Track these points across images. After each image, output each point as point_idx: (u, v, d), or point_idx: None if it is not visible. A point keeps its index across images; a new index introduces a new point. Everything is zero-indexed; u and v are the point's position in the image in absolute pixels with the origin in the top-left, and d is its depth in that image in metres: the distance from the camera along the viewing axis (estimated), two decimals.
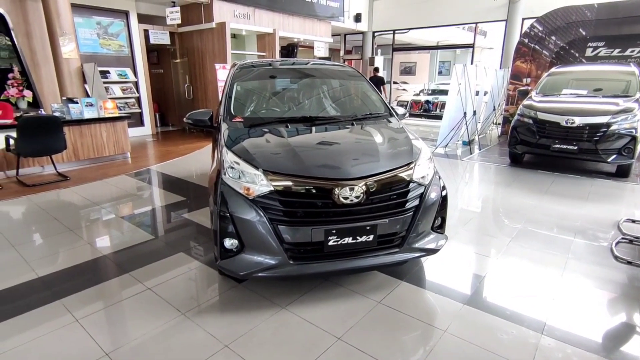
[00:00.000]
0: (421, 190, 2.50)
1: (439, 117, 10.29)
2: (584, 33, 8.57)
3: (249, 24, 9.63)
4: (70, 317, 2.36)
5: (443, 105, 12.14)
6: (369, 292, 2.61)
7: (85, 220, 4.03)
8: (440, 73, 21.20)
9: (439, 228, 2.69)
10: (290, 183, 2.27)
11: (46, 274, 2.86)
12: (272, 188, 2.27)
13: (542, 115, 5.71)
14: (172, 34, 9.58)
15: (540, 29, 8.83)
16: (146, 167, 6.25)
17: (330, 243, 2.30)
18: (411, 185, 2.46)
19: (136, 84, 9.14)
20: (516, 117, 6.12)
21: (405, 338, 2.19)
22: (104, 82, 8.07)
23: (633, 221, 3.85)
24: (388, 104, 3.44)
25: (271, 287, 2.65)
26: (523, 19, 10.72)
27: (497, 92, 9.00)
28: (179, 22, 8.40)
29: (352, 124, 3.00)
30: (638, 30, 8.03)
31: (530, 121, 5.81)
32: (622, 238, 3.43)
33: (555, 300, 2.54)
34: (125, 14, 8.74)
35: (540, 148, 5.73)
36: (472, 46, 12.38)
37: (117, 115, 6.70)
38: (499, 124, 9.67)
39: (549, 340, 2.15)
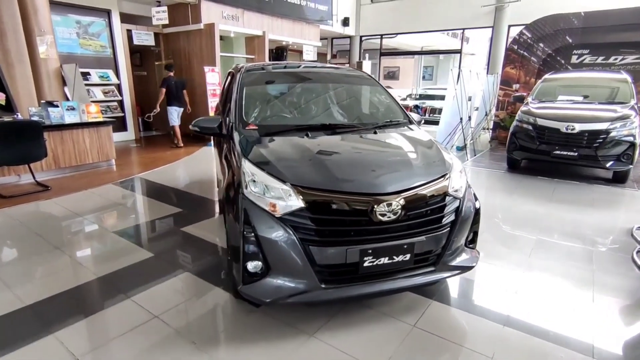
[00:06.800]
0: (457, 203, 2.34)
1: (429, 122, 10.27)
2: (570, 40, 8.73)
3: (237, 25, 9.35)
4: (67, 353, 2.06)
5: (432, 110, 12.22)
6: (400, 315, 2.42)
7: (73, 237, 3.67)
8: (423, 78, 21.44)
9: (471, 243, 2.54)
10: (323, 199, 2.06)
11: (34, 302, 2.52)
12: (302, 204, 2.05)
13: (541, 122, 5.71)
14: (156, 35, 9.17)
15: (529, 35, 8.96)
16: (134, 176, 5.88)
17: (366, 264, 2.10)
18: (447, 198, 2.30)
19: (119, 87, 8.68)
20: (515, 123, 6.11)
21: None
22: (85, 85, 7.61)
23: None
24: (405, 111, 3.28)
25: (292, 311, 2.42)
26: (509, 26, 10.89)
27: (487, 97, 9.06)
28: (167, 22, 8.03)
29: (375, 132, 2.81)
30: (621, 39, 8.24)
31: (530, 127, 5.81)
32: None
33: (595, 319, 2.43)
34: (107, 12, 8.30)
35: (541, 154, 5.73)
36: (459, 52, 12.51)
37: (101, 119, 6.29)
38: (490, 129, 9.74)
39: None
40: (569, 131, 5.42)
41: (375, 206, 2.05)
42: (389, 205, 2.07)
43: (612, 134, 5.24)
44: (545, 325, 2.34)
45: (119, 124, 8.75)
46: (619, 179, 5.57)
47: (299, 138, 2.58)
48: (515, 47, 9.19)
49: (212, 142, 8.47)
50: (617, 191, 5.30)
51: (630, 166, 5.33)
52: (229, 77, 4.07)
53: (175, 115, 8.19)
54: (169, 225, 3.96)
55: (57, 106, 5.76)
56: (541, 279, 2.91)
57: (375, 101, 3.42)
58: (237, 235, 2.11)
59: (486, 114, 9.10)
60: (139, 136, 9.32)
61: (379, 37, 13.92)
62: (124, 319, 2.36)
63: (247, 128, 2.72)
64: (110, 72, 8.56)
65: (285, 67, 3.61)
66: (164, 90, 7.99)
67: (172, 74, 8.14)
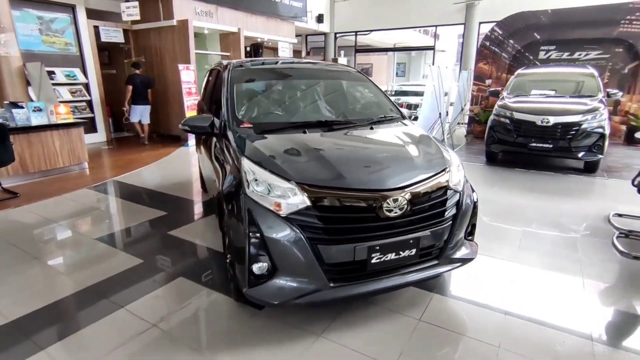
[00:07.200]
0: (457, 197, 2.37)
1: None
2: (538, 37, 9.08)
3: (211, 22, 9.12)
4: None
5: (408, 106, 12.40)
6: (404, 309, 2.43)
7: (52, 246, 3.46)
8: (396, 75, 21.74)
9: (470, 235, 2.58)
10: (329, 197, 2.02)
11: (19, 317, 2.34)
12: (308, 203, 2.00)
13: (518, 115, 5.91)
14: (125, 32, 8.79)
15: (500, 32, 9.23)
16: (110, 179, 5.60)
17: (374, 261, 2.09)
18: (448, 192, 2.32)
19: (87, 86, 8.26)
20: (492, 117, 6.29)
21: (462, 359, 2.03)
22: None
23: (620, 215, 4.04)
24: (398, 106, 3.29)
25: (295, 312, 2.37)
26: (480, 23, 11.21)
27: (462, 92, 9.29)
28: (138, 18, 7.71)
29: (372, 128, 2.80)
30: (585, 35, 8.65)
31: (507, 121, 6.00)
32: (620, 233, 3.56)
33: (588, 303, 2.53)
34: (72, 8, 7.86)
35: (518, 146, 5.93)
36: (432, 48, 12.76)
37: (71, 121, 5.96)
38: (465, 123, 9.99)
39: (602, 347, 2.10)
40: (544, 124, 5.63)
41: (382, 202, 2.04)
42: (395, 200, 2.06)
43: (583, 126, 5.49)
44: (543, 312, 2.41)
45: (89, 126, 8.31)
46: (590, 168, 5.84)
47: (297, 135, 2.53)
48: (488, 43, 9.45)
49: (188, 142, 8.25)
50: (589, 180, 5.57)
51: (601, 156, 5.61)
52: (213, 74, 3.94)
53: (137, 113, 8.15)
54: (154, 229, 3.80)
55: (22, 107, 5.41)
56: (533, 268, 3.00)
57: (368, 97, 3.41)
58: (241, 237, 2.05)
59: (462, 109, 9.33)
60: (110, 138, 8.91)
61: (354, 33, 13.98)
62: (120, 329, 2.24)
63: (241, 126, 2.63)
64: (77, 71, 8.12)
65: (275, 64, 3.54)
66: (130, 87, 7.91)
67: (138, 71, 8.02)
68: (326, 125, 2.74)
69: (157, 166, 6.48)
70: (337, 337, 2.16)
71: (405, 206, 2.09)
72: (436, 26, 12.39)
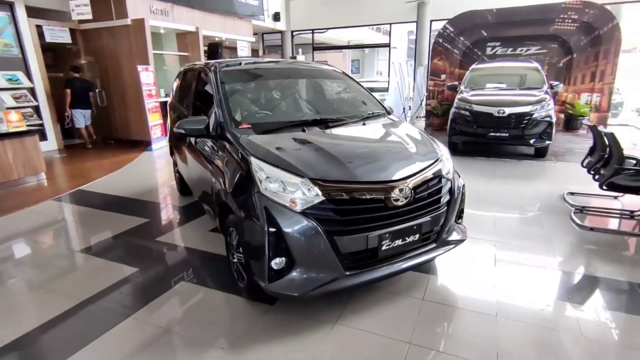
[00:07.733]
0: (449, 184, 2.58)
1: None
2: (485, 34, 9.77)
3: (167, 21, 8.81)
4: None
5: None
6: (407, 291, 2.61)
7: (32, 263, 3.25)
8: (351, 72, 22.19)
9: (459, 219, 2.81)
10: (342, 190, 2.14)
11: (19, 336, 2.22)
12: (322, 197, 2.11)
13: (476, 108, 6.36)
14: (73, 32, 8.23)
15: (452, 30, 9.81)
16: (75, 189, 5.28)
17: (384, 248, 2.24)
18: (443, 180, 2.52)
19: (32, 91, 7.65)
20: (453, 110, 6.71)
21: (468, 329, 2.24)
22: None
23: (572, 193, 4.53)
24: (381, 102, 3.46)
25: (306, 305, 2.45)
26: (431, 21, 11.79)
27: (421, 87, 9.76)
28: (90, 17, 7.26)
29: (364, 124, 2.95)
30: (526, 32, 9.45)
31: (467, 113, 6.43)
32: (576, 209, 4.01)
33: (561, 270, 2.87)
34: (9, 5, 7.24)
35: (478, 137, 6.39)
36: (388, 45, 13.21)
37: (24, 129, 5.53)
38: (424, 117, 10.50)
39: (576, 306, 2.41)
40: (500, 115, 6.12)
41: (390, 192, 2.19)
42: (401, 190, 2.22)
43: (534, 116, 6.04)
44: (526, 283, 2.71)
45: (38, 133, 7.72)
46: (540, 154, 6.44)
47: (298, 133, 2.61)
48: (441, 40, 10.00)
49: (152, 147, 7.93)
50: (541, 164, 6.15)
51: (549, 142, 6.21)
52: (190, 76, 3.89)
53: (80, 118, 7.99)
54: (140, 236, 3.68)
55: None
56: (510, 245, 3.31)
57: (355, 95, 3.54)
58: (258, 235, 2.10)
59: (421, 103, 9.80)
60: (63, 145, 8.33)
61: (310, 32, 14.10)
62: (133, 338, 2.20)
63: (240, 127, 2.66)
64: (20, 74, 7.50)
65: (261, 64, 3.57)
66: (68, 91, 7.74)
67: (77, 75, 7.86)
68: (322, 123, 2.84)
69: (123, 173, 6.19)
70: (353, 322, 2.29)
71: (410, 195, 2.26)
72: (390, 24, 12.83)
